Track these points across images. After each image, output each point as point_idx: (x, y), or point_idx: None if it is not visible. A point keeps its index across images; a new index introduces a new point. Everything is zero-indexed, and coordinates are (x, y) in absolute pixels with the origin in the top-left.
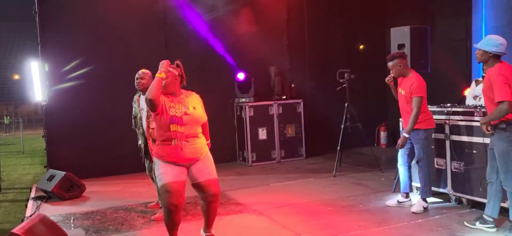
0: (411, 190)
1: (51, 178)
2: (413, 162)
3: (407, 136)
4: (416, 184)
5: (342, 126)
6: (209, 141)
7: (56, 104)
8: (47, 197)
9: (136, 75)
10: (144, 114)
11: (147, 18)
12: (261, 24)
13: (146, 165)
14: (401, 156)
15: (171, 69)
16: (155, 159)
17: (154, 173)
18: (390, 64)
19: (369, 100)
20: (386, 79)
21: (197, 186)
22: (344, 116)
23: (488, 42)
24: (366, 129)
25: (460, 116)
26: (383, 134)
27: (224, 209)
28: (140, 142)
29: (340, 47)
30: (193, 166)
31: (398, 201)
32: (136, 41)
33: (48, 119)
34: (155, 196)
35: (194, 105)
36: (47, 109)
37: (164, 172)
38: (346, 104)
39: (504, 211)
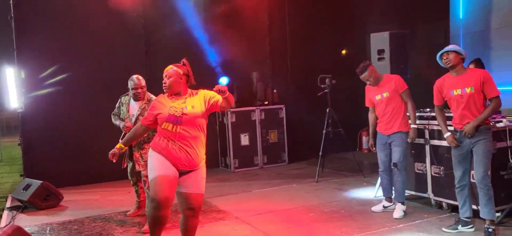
0: (392, 195)
1: (27, 187)
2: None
3: (415, 126)
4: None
5: (324, 131)
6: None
7: (33, 112)
8: (22, 207)
9: (136, 82)
10: (133, 121)
11: (127, 24)
12: (242, 30)
13: (129, 168)
14: (383, 162)
15: (176, 68)
16: (150, 150)
17: (148, 163)
18: (363, 76)
19: (351, 105)
20: (373, 149)
21: (181, 195)
22: (326, 121)
23: (456, 46)
24: (348, 134)
25: None
26: (365, 139)
27: (205, 217)
28: None
29: (321, 52)
30: (185, 175)
31: (383, 206)
32: (116, 46)
33: (24, 127)
34: (135, 203)
35: (194, 104)
36: (24, 117)
37: (157, 165)
38: (327, 110)
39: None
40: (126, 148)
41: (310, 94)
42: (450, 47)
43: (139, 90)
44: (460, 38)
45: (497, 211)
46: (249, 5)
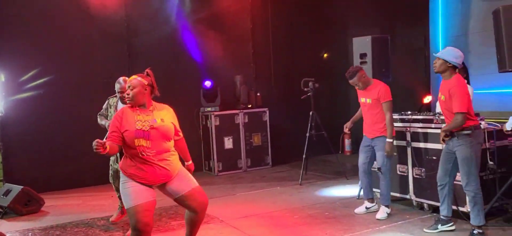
0: (373, 195)
1: (7, 192)
2: (374, 169)
3: (391, 140)
4: (377, 190)
5: (308, 134)
6: (191, 162)
7: (13, 116)
8: (3, 212)
9: (122, 85)
10: None
11: (109, 27)
12: (226, 33)
13: (111, 172)
14: (362, 164)
15: (140, 78)
16: (121, 174)
17: (120, 189)
18: (352, 81)
19: (334, 108)
20: (345, 129)
21: (181, 199)
22: (309, 124)
23: (449, 52)
24: (331, 137)
25: (420, 123)
26: (347, 142)
27: None
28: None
29: (304, 56)
30: (168, 183)
31: (366, 208)
32: (98, 50)
33: (4, 131)
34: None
35: (162, 117)
36: (3, 121)
37: (132, 192)
38: (311, 113)
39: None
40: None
41: (293, 97)
42: (440, 53)
43: (125, 94)
44: (439, 42)
45: None
46: (233, 9)
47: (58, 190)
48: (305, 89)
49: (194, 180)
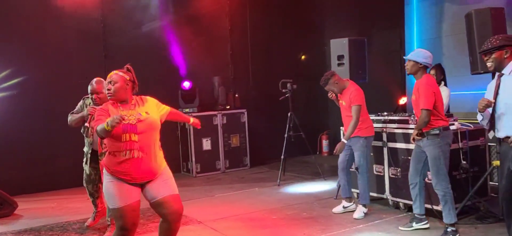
0: (351, 194)
1: None
2: (353, 169)
3: (345, 142)
4: (356, 190)
5: (286, 135)
6: (193, 120)
7: None
8: None
9: (91, 89)
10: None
11: (85, 27)
12: (204, 34)
13: (85, 175)
14: (341, 162)
15: (121, 74)
16: (104, 172)
17: (104, 189)
18: (327, 87)
19: (311, 109)
20: (329, 95)
21: (156, 204)
22: (288, 125)
23: (419, 54)
24: (309, 138)
25: (396, 124)
26: (325, 142)
27: None
28: (85, 149)
29: (282, 57)
30: (150, 184)
31: (343, 207)
32: (73, 50)
33: None
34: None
35: (147, 110)
36: None
37: (117, 193)
38: (289, 114)
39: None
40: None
41: (271, 98)
42: (410, 55)
43: (95, 96)
44: (414, 44)
45: None
46: (211, 10)
47: (32, 193)
48: (283, 90)
49: (175, 186)
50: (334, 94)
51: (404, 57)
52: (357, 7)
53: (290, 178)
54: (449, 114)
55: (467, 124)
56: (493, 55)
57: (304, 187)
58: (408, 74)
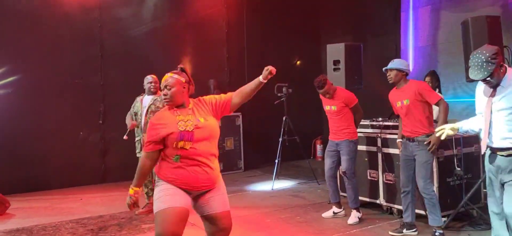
0: (340, 199)
1: None
2: (340, 173)
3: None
4: (344, 194)
5: (280, 139)
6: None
7: None
8: None
9: (151, 80)
10: (144, 112)
11: (81, 27)
12: (200, 37)
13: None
14: (329, 169)
15: (176, 76)
16: (158, 179)
17: (154, 196)
18: (323, 90)
19: (306, 114)
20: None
21: (208, 218)
22: (282, 129)
23: (400, 63)
24: (303, 142)
25: (391, 130)
26: (319, 147)
27: None
28: (138, 138)
29: (278, 61)
30: (204, 196)
31: (333, 212)
32: (69, 50)
33: None
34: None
35: (204, 115)
36: None
37: (165, 197)
38: (284, 118)
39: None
40: (139, 189)
41: (266, 102)
42: (391, 64)
43: (152, 84)
44: (409, 52)
45: (444, 216)
46: (208, 13)
47: (24, 192)
48: (279, 94)
49: (228, 202)
50: None
51: (383, 69)
52: (353, 13)
53: (284, 181)
54: None
55: None
56: (494, 77)
57: (298, 191)
58: (391, 83)
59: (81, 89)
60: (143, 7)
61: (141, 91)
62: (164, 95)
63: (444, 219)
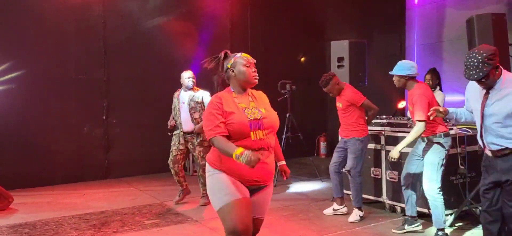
0: (343, 194)
1: None
2: (344, 171)
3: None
4: (348, 191)
5: (284, 136)
6: (284, 162)
7: None
8: None
9: (189, 75)
10: (183, 108)
11: (85, 23)
12: (204, 33)
13: (171, 156)
14: (334, 163)
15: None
16: (209, 168)
17: (208, 188)
18: (327, 88)
19: (309, 111)
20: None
21: None
22: (285, 126)
23: (402, 67)
24: (306, 139)
25: (394, 127)
26: (322, 144)
27: (163, 220)
28: (176, 132)
29: (282, 58)
30: (257, 194)
31: (333, 209)
32: (73, 45)
33: None
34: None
35: (264, 105)
36: None
37: (227, 187)
38: (287, 115)
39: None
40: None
41: (270, 99)
42: (394, 70)
43: (192, 79)
44: (414, 49)
45: (447, 215)
46: (211, 10)
47: (28, 188)
48: (282, 91)
49: (267, 209)
50: None
51: (389, 72)
52: (358, 10)
53: (287, 179)
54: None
55: (465, 129)
56: (489, 79)
57: (301, 189)
58: (398, 88)
59: (85, 84)
60: (146, 3)
61: (145, 86)
62: (254, 72)
63: (448, 217)
